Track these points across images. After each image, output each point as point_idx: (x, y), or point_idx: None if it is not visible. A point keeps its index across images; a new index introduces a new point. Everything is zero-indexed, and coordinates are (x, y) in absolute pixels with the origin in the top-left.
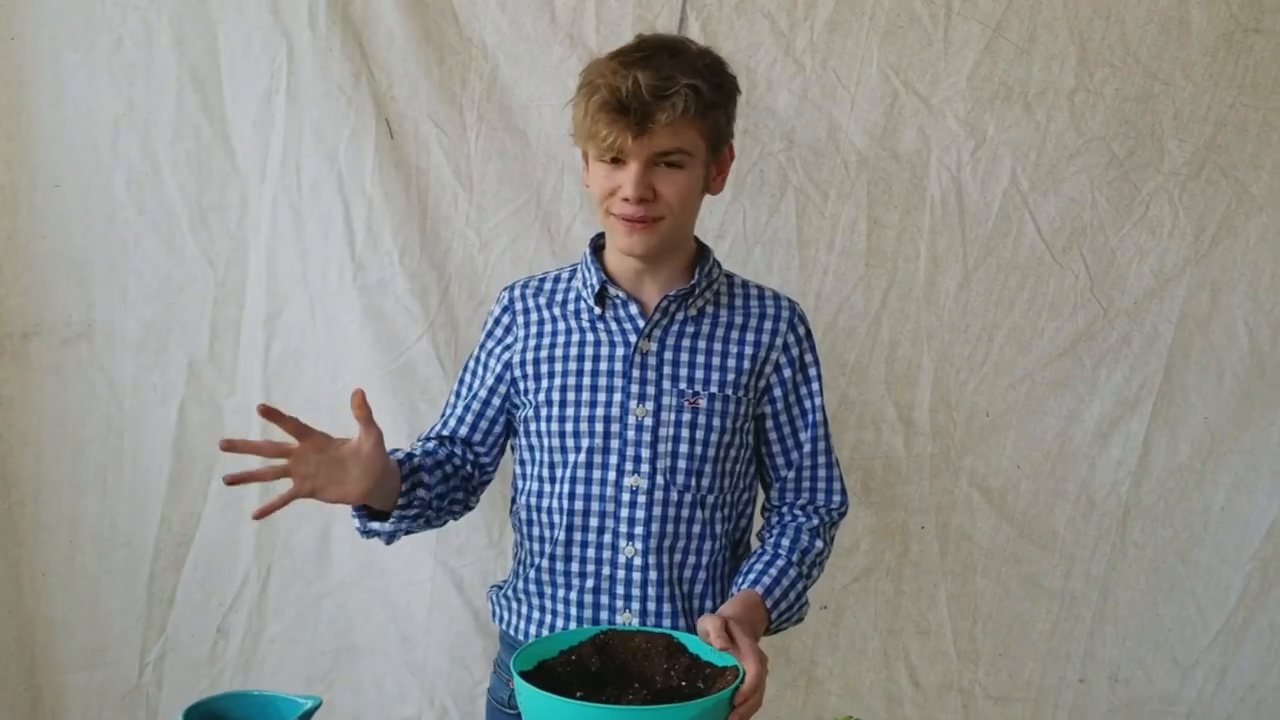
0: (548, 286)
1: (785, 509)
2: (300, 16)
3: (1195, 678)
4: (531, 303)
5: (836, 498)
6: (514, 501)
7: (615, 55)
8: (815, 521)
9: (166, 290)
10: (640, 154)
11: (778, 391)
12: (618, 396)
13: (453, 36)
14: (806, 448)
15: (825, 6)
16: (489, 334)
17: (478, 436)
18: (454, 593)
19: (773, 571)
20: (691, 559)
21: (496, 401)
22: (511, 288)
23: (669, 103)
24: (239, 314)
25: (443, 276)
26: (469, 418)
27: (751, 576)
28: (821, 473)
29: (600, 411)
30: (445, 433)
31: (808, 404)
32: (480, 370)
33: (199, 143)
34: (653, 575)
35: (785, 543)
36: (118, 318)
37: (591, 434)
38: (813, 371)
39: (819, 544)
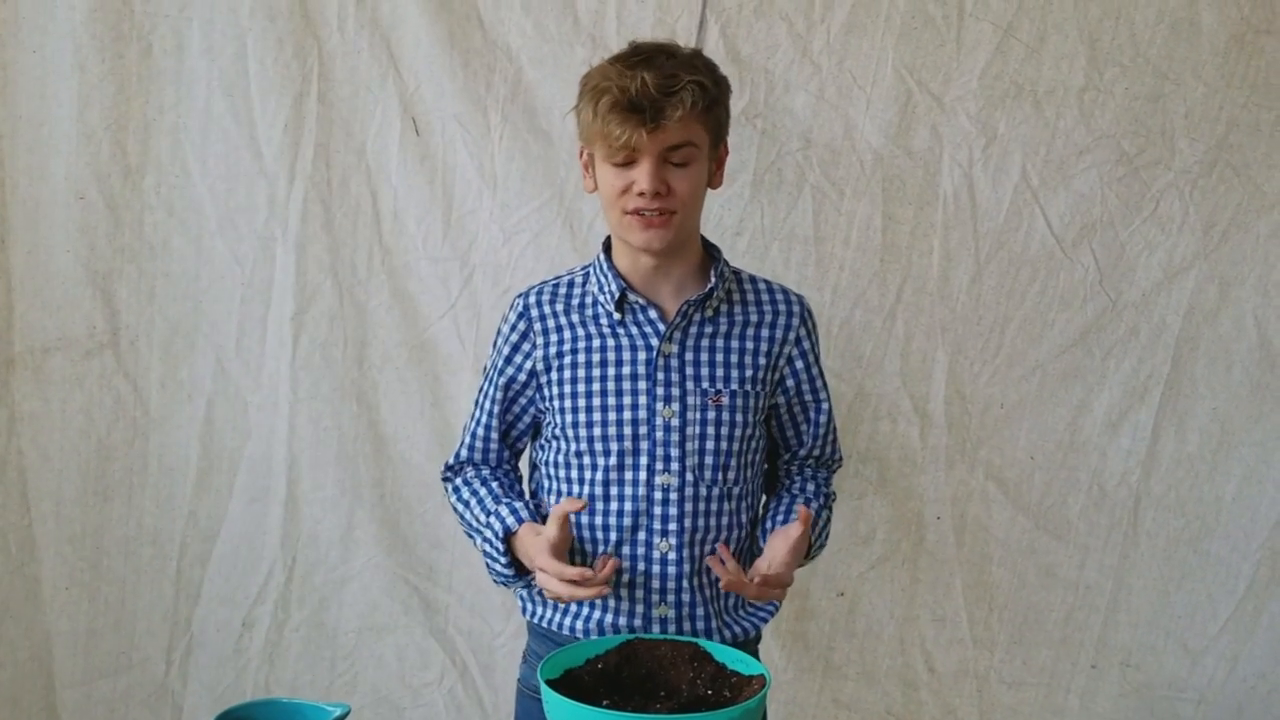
0: (562, 291)
1: (795, 467)
2: (329, 22)
3: (1206, 664)
4: (548, 309)
5: (839, 456)
6: (538, 508)
7: (615, 60)
8: (825, 472)
9: (194, 290)
10: (652, 150)
11: (790, 382)
12: (643, 399)
13: (477, 40)
14: (821, 429)
15: (842, 9)
16: (505, 355)
17: (506, 455)
18: (474, 549)
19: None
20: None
21: (524, 417)
22: (525, 295)
23: (677, 98)
24: (265, 311)
25: (466, 265)
26: (494, 446)
27: (778, 513)
28: (829, 449)
29: (628, 415)
30: (488, 460)
31: (822, 394)
32: (499, 397)
33: (227, 145)
34: (686, 568)
35: (811, 487)
36: (144, 321)
37: (620, 437)
38: (820, 366)
39: (827, 488)
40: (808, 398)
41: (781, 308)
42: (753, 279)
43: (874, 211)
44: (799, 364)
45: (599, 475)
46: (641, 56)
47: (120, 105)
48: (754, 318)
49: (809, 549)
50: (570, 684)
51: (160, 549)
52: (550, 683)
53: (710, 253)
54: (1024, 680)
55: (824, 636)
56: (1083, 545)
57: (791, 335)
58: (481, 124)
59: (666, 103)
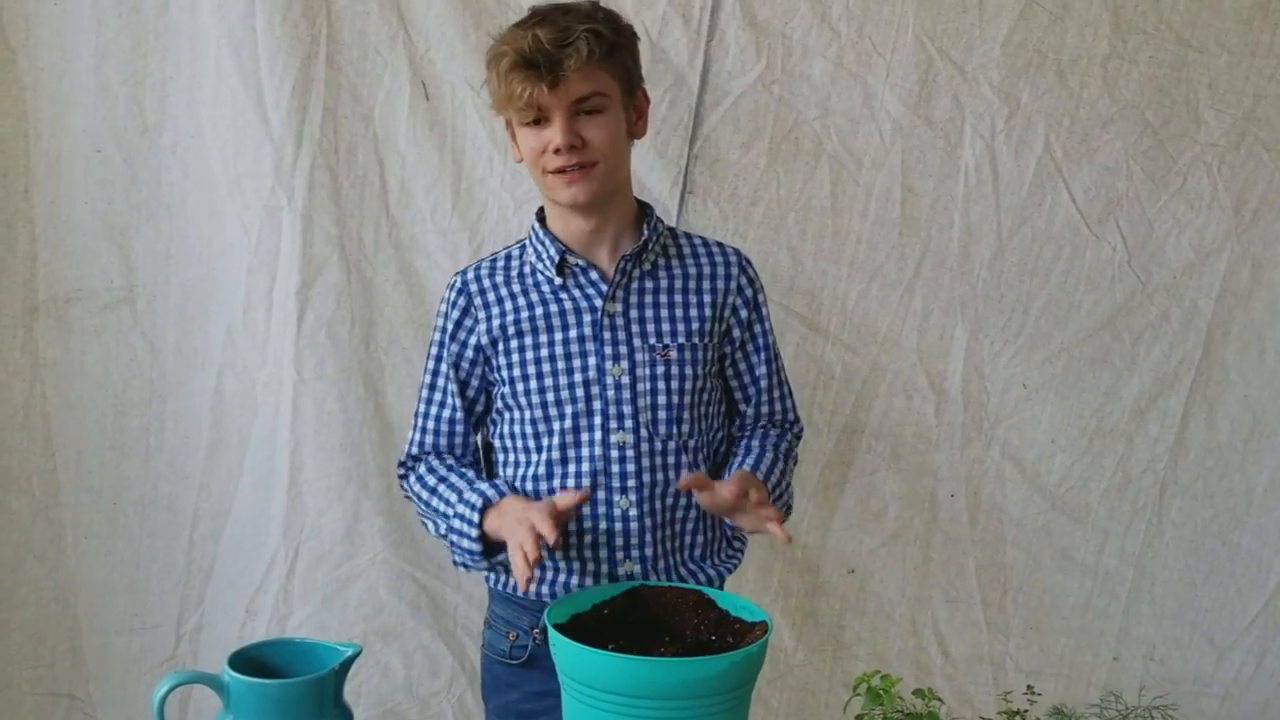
0: (500, 265)
1: (748, 429)
2: None
3: (1232, 660)
4: (487, 283)
5: (791, 415)
6: (497, 478)
7: (513, 25)
8: (776, 431)
9: (208, 254)
10: (560, 104)
11: (735, 332)
12: (593, 360)
13: (490, 0)
14: (763, 382)
15: None
16: (449, 333)
17: (472, 440)
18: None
19: (750, 460)
20: (682, 501)
21: (481, 396)
22: (462, 273)
23: (573, 48)
24: (271, 284)
25: (475, 236)
26: (459, 429)
27: (734, 465)
28: (778, 406)
29: (579, 377)
30: (442, 448)
31: (760, 341)
32: (450, 376)
33: (235, 107)
34: (648, 523)
35: (755, 443)
36: (160, 281)
37: (574, 399)
38: (764, 310)
39: (784, 444)
40: (749, 346)
41: (719, 259)
42: (688, 236)
43: (893, 183)
44: (742, 313)
45: (555, 440)
46: (537, 17)
47: (137, 61)
48: (693, 270)
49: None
50: (577, 629)
51: (175, 516)
52: (558, 627)
53: (643, 209)
54: (1042, 669)
55: (834, 614)
56: (1101, 529)
57: (733, 285)
58: None
59: (561, 54)
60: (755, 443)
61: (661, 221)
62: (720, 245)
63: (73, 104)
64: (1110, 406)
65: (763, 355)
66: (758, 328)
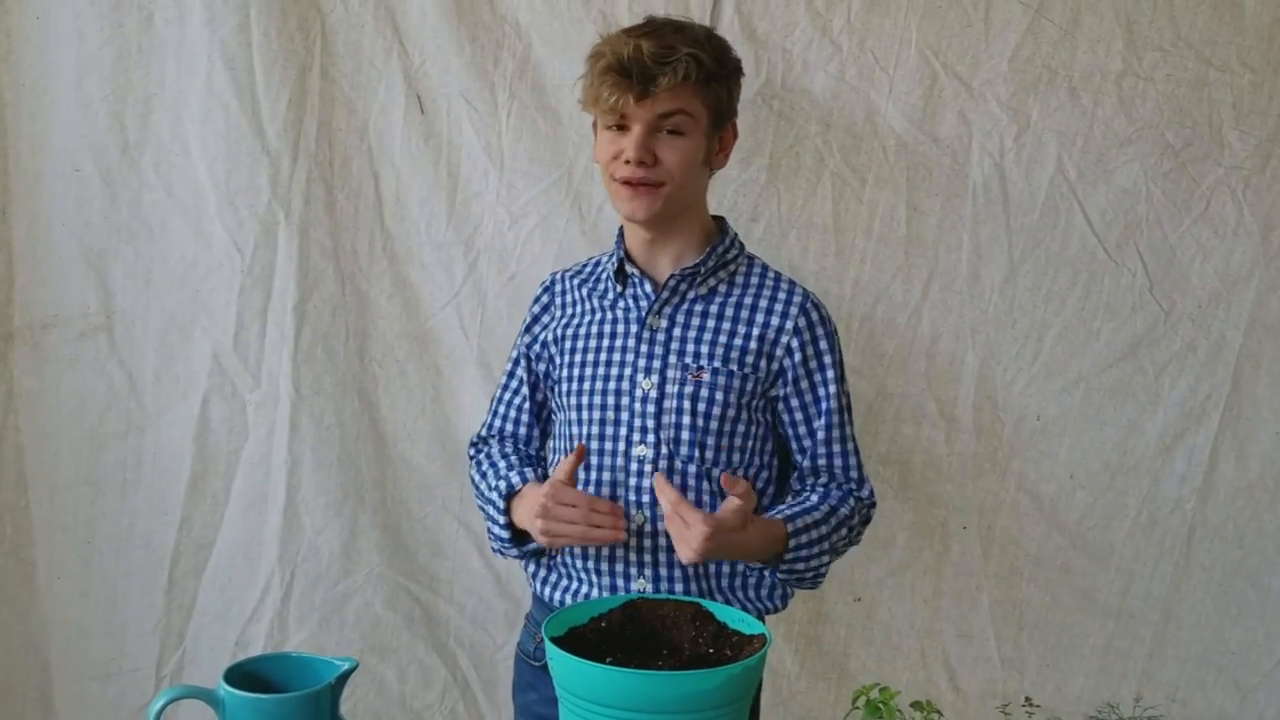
0: (586, 271)
1: (806, 484)
2: None
3: (1256, 700)
4: (568, 284)
5: (855, 475)
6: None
7: (624, 30)
8: (840, 492)
9: (191, 277)
10: (642, 117)
11: (790, 375)
12: (627, 370)
13: (485, 14)
14: (820, 435)
15: None
16: (526, 325)
17: (535, 432)
18: (475, 555)
19: (793, 511)
20: None
21: (542, 388)
22: (555, 273)
23: (670, 68)
24: (266, 301)
25: (471, 250)
26: (524, 417)
27: (779, 510)
28: (838, 462)
29: (611, 385)
30: (508, 433)
31: (820, 391)
32: (524, 365)
33: (228, 122)
34: (663, 542)
35: (813, 497)
36: (140, 306)
37: (603, 406)
38: (827, 359)
39: (844, 509)
40: (807, 397)
41: (782, 295)
42: (765, 267)
43: (898, 201)
44: (797, 355)
45: (584, 444)
46: (650, 28)
47: (119, 76)
48: (749, 300)
49: (786, 538)
50: (574, 641)
51: (152, 554)
52: (555, 640)
53: (720, 232)
54: (1059, 709)
55: (839, 643)
56: (1126, 571)
57: (789, 324)
58: (489, 101)
59: (659, 71)
60: (814, 497)
61: (739, 248)
62: (791, 282)
63: (54, 121)
64: (1133, 441)
65: (823, 406)
66: (818, 376)
